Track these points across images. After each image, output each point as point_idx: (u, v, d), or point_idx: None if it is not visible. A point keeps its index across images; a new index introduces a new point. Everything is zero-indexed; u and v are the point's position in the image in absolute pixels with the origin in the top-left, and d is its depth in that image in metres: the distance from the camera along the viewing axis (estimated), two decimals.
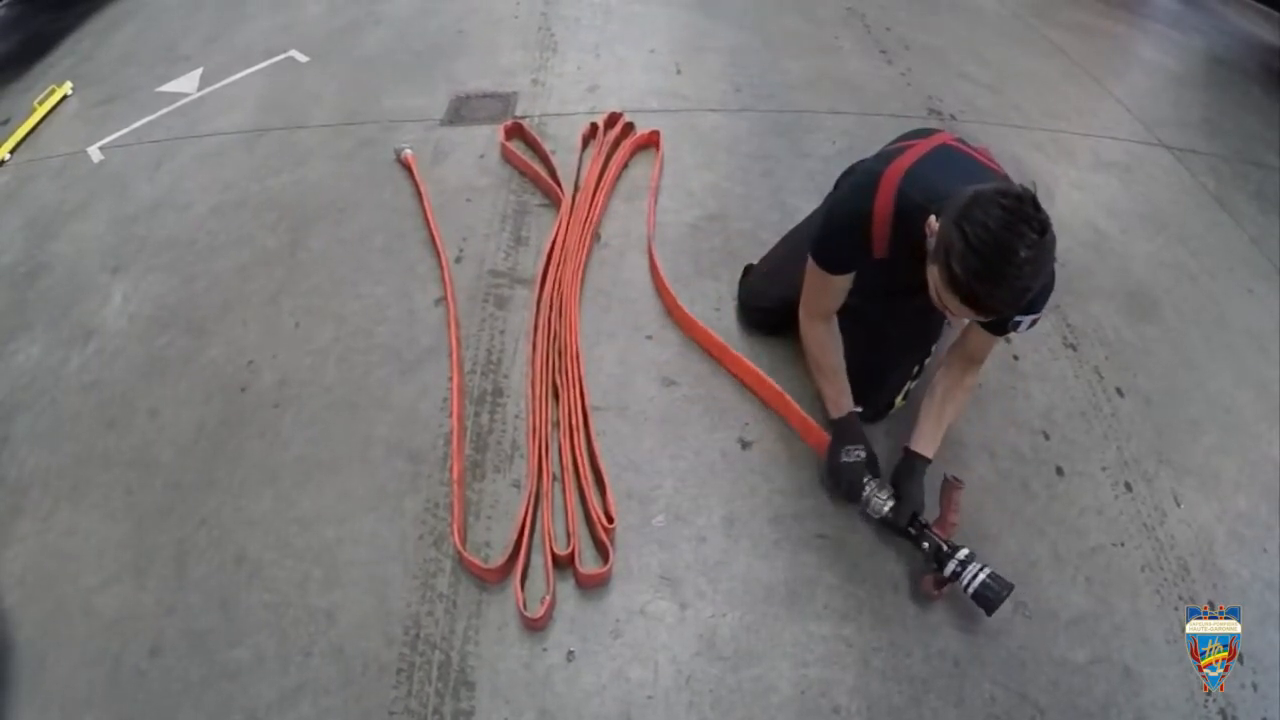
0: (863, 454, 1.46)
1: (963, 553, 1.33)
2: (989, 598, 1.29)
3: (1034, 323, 1.36)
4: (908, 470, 1.46)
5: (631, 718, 1.25)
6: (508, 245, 2.08)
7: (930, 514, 1.43)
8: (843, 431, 1.51)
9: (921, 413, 1.51)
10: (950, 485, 1.37)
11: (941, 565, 1.34)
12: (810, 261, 1.46)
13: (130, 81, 2.93)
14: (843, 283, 1.47)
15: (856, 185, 1.40)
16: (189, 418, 1.69)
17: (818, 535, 1.50)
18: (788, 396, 1.65)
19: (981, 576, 1.30)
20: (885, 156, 1.41)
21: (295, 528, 1.48)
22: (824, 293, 1.50)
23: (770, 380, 1.68)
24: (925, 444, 1.47)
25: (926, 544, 1.38)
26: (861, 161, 1.56)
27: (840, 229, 1.41)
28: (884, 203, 1.31)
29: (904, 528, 1.42)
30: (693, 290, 1.94)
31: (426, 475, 1.56)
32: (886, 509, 1.42)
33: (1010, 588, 1.30)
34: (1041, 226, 1.05)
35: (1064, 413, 1.78)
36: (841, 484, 1.47)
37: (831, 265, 1.44)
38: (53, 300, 2.01)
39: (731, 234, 2.09)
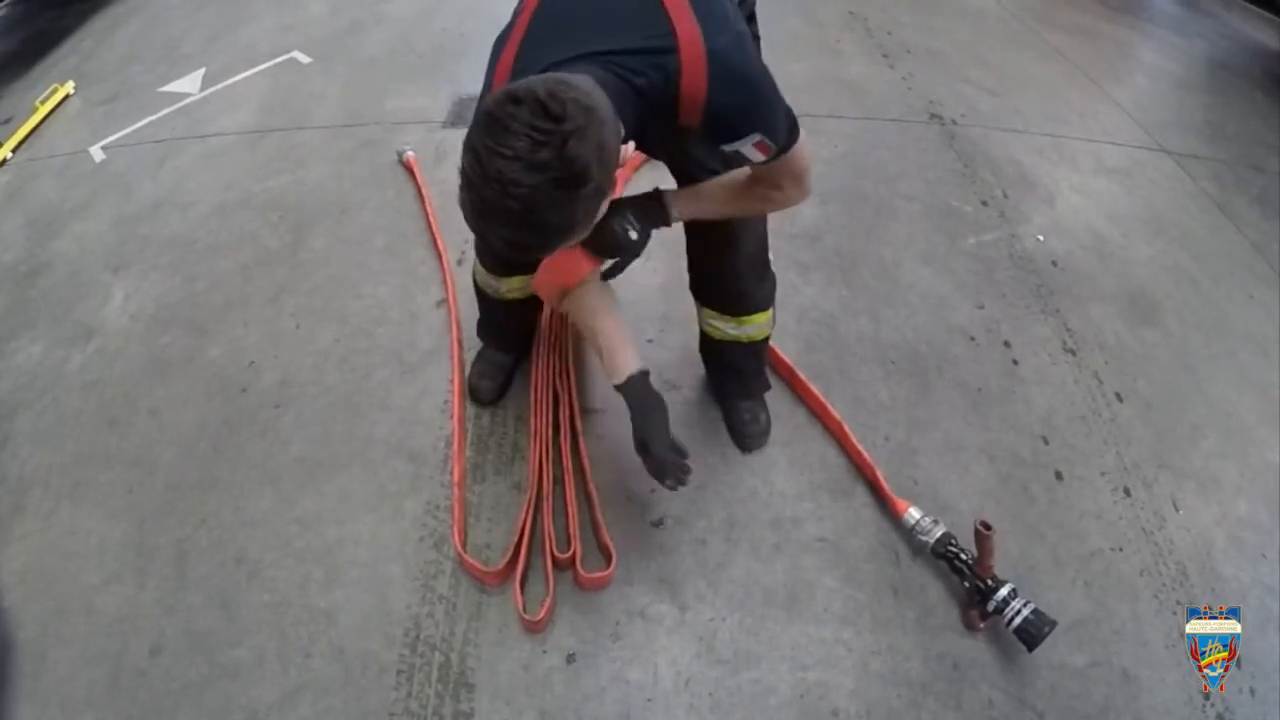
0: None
1: (1005, 589, 1.33)
2: (1031, 633, 1.29)
3: (760, 145, 1.03)
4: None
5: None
6: None
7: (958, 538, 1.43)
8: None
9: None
10: (982, 535, 1.35)
11: (984, 601, 1.34)
12: None
13: (132, 81, 2.94)
14: None
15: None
16: (190, 417, 1.69)
17: (817, 539, 1.50)
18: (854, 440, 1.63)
19: (1025, 613, 1.30)
20: (498, 45, 1.08)
21: (296, 528, 1.49)
22: None
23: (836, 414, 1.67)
24: (674, 193, 1.23)
25: (968, 583, 1.38)
26: None
27: None
28: None
29: (943, 551, 1.42)
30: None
31: (427, 477, 1.56)
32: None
33: (1053, 624, 1.29)
34: (541, 136, 0.77)
35: (1064, 417, 1.78)
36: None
37: None
38: (54, 299, 2.01)
39: None
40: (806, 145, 1.12)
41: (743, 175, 1.17)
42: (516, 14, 1.07)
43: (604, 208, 0.92)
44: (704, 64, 0.95)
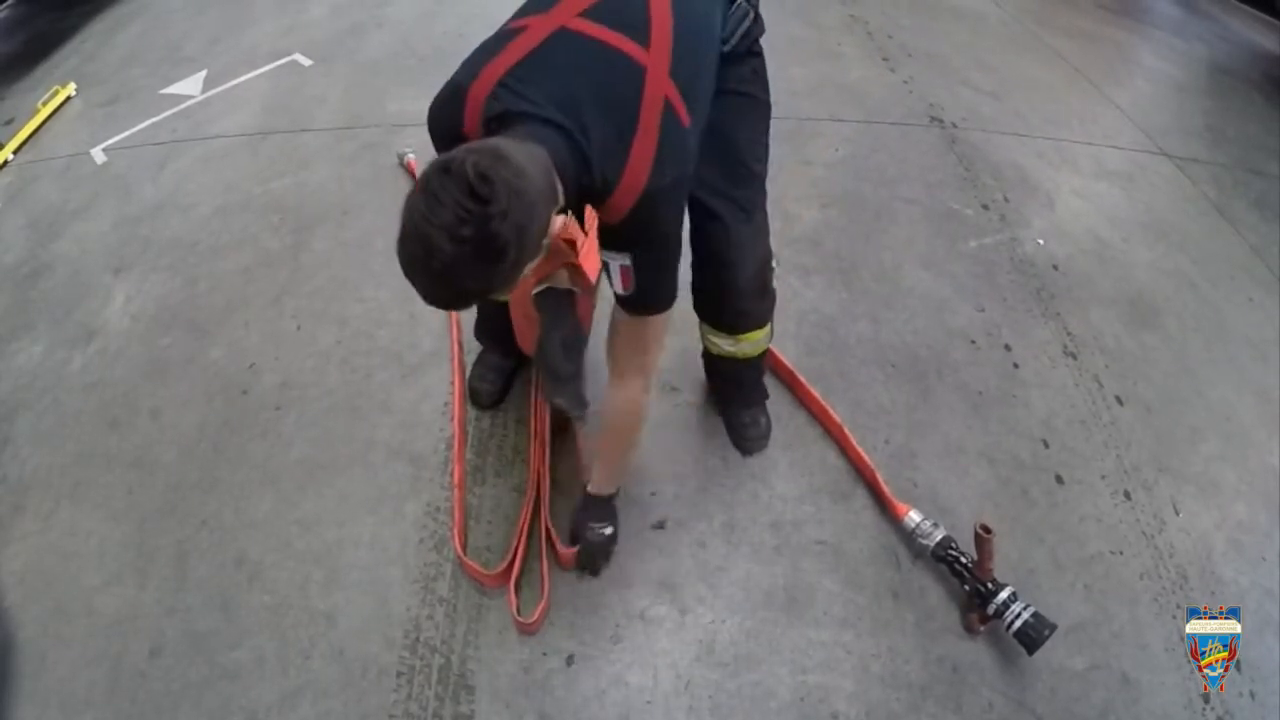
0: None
1: (1005, 593, 1.33)
2: (1032, 637, 1.29)
3: (625, 271, 1.10)
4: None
5: None
6: None
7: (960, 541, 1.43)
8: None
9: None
10: (982, 538, 1.35)
11: (984, 604, 1.34)
12: None
13: (134, 83, 2.94)
14: None
15: (439, 101, 1.11)
16: (191, 419, 1.69)
17: (817, 542, 1.50)
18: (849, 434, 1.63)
19: (1025, 616, 1.30)
20: (484, 52, 1.08)
21: (296, 529, 1.49)
22: None
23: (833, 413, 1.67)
24: (595, 481, 1.38)
25: (968, 586, 1.38)
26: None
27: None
28: (473, 126, 1.04)
29: (943, 555, 1.42)
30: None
31: (427, 479, 1.57)
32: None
33: (1053, 627, 1.29)
34: (465, 214, 0.81)
35: (1064, 420, 1.78)
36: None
37: None
38: (55, 300, 2.02)
39: None
40: (664, 327, 1.22)
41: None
42: (517, 30, 1.07)
43: (530, 268, 0.97)
44: (635, 195, 1.01)
